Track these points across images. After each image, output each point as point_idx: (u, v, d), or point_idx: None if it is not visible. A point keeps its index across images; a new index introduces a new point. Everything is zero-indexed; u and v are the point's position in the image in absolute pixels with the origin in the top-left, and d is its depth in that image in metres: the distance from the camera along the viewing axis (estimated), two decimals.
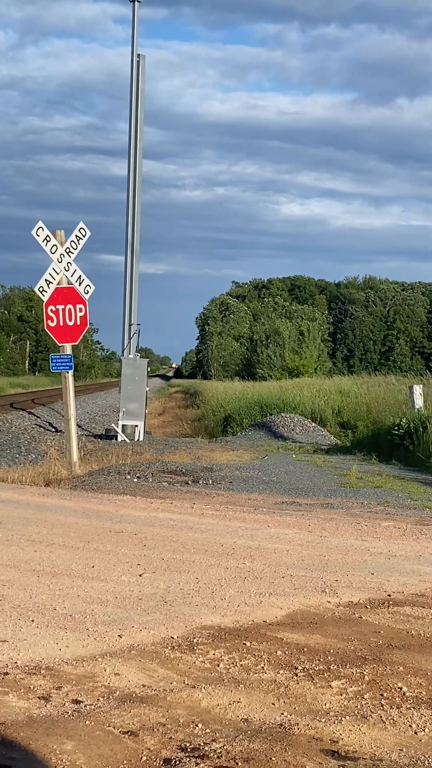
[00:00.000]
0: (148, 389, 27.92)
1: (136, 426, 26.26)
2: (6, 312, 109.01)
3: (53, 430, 28.47)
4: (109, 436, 26.43)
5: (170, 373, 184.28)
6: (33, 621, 6.47)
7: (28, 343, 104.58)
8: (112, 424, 27.51)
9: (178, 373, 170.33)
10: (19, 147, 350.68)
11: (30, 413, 33.55)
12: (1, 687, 5.16)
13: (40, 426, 29.17)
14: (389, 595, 7.64)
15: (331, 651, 6.07)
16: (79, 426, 24.21)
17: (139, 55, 28.10)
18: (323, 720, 4.86)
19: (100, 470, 17.00)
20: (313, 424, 29.62)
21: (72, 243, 18.09)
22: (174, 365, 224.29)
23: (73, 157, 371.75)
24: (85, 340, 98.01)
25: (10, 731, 4.54)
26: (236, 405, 36.62)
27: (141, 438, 25.83)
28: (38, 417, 32.39)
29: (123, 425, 26.20)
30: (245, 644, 6.15)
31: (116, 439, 25.56)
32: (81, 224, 18.29)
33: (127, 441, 24.92)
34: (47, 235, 18.03)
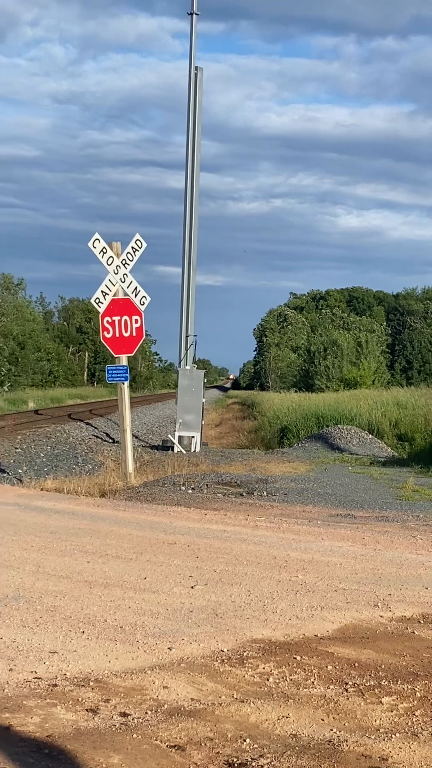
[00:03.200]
0: (204, 400, 27.93)
1: (193, 437, 26.28)
2: (65, 323, 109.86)
3: (110, 441, 28.59)
4: (166, 447, 26.48)
5: (228, 385, 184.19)
6: (83, 632, 6.47)
7: (86, 354, 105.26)
8: (169, 435, 27.55)
9: (236, 385, 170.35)
10: (79, 160, 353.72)
11: (88, 424, 33.73)
12: (50, 699, 5.16)
13: (97, 437, 29.32)
14: None
15: (383, 666, 5.99)
16: (136, 437, 24.30)
17: (197, 68, 28.21)
18: (373, 737, 4.79)
19: (155, 481, 17.02)
20: (370, 436, 29.42)
21: (128, 254, 18.15)
22: (231, 376, 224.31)
23: (132, 170, 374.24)
24: (143, 351, 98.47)
25: (57, 744, 4.54)
26: (293, 416, 36.50)
27: (197, 449, 25.84)
28: (96, 428, 32.55)
29: (180, 436, 26.22)
30: (296, 658, 6.09)
31: (173, 450, 25.58)
32: (137, 236, 18.35)
33: (184, 452, 24.93)
34: (104, 247, 18.10)
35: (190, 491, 15.44)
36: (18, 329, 78.67)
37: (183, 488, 15.73)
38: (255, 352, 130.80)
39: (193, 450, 25.68)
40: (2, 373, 67.62)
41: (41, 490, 15.61)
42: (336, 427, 30.54)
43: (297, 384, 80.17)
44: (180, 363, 28.56)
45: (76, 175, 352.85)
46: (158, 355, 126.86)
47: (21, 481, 18.04)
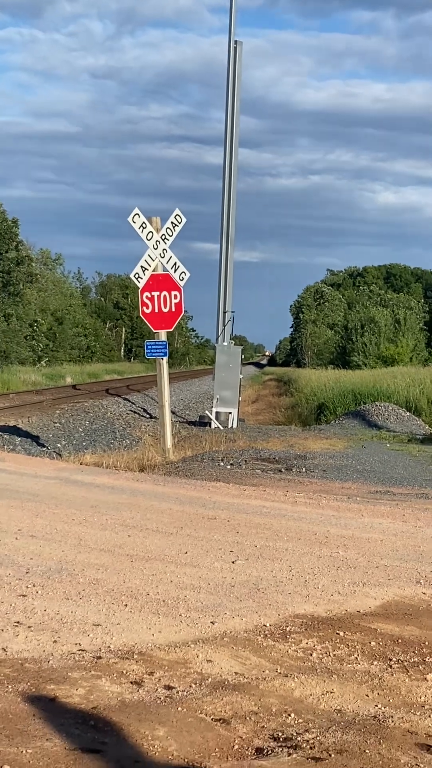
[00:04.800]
0: (241, 377, 27.87)
1: (230, 413, 26.23)
2: (102, 299, 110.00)
3: (148, 416, 28.65)
4: (203, 422, 26.47)
5: (264, 361, 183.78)
6: (126, 605, 6.49)
7: (123, 329, 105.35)
8: (206, 411, 27.53)
9: (272, 361, 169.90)
10: (116, 136, 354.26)
11: (125, 399, 33.83)
12: (95, 671, 5.18)
13: (134, 412, 29.40)
14: None
15: (426, 643, 5.97)
16: (173, 412, 24.30)
17: (236, 42, 27.93)
18: (418, 713, 4.77)
19: (194, 457, 17.04)
20: (408, 414, 29.27)
21: (167, 230, 18.10)
22: (268, 353, 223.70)
23: (169, 145, 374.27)
24: (179, 327, 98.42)
25: (102, 715, 4.55)
26: (330, 393, 36.39)
27: (234, 425, 25.81)
28: (133, 403, 32.64)
29: (217, 412, 26.19)
30: (338, 634, 6.08)
31: (210, 426, 25.56)
32: (177, 211, 18.29)
33: (221, 428, 24.92)
34: (143, 222, 18.06)
35: (228, 467, 15.44)
36: (56, 304, 78.91)
37: (221, 464, 15.74)
38: (291, 329, 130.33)
39: (230, 426, 25.64)
40: (40, 348, 67.91)
41: (80, 464, 15.68)
42: (373, 404, 30.41)
43: (334, 361, 79.86)
44: (217, 339, 28.46)
45: (113, 150, 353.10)
46: (194, 331, 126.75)
47: (60, 455, 18.15)
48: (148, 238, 17.99)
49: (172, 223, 18.19)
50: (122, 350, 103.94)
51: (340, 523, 10.22)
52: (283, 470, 15.22)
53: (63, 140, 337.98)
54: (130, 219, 18.11)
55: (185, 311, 17.83)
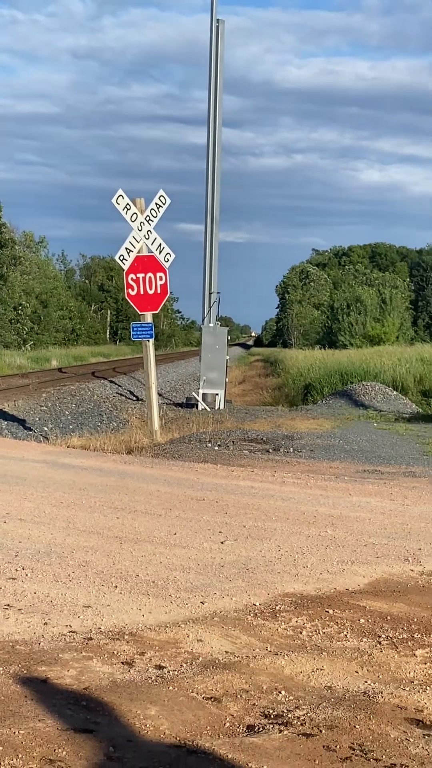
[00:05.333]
0: (228, 358, 27.89)
1: (217, 394, 26.27)
2: (87, 281, 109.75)
3: (134, 398, 28.65)
4: (190, 404, 26.49)
5: (250, 342, 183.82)
6: (116, 587, 6.51)
7: (108, 312, 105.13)
8: (193, 393, 27.55)
9: (258, 342, 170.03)
10: (99, 117, 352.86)
11: (111, 382, 33.78)
12: (86, 652, 5.20)
13: (121, 394, 29.38)
14: None
15: (415, 619, 6.01)
16: (159, 394, 24.28)
17: (218, 20, 27.82)
18: (407, 689, 4.81)
19: (181, 438, 17.06)
20: (395, 393, 29.35)
21: (152, 211, 18.05)
22: (254, 334, 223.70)
23: (152, 126, 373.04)
24: (165, 309, 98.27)
25: (94, 696, 4.57)
26: (316, 373, 36.47)
27: (221, 406, 25.84)
28: (119, 386, 32.60)
29: (203, 394, 26.23)
30: (328, 612, 6.11)
31: (197, 407, 25.60)
32: (161, 192, 18.24)
33: (208, 409, 24.94)
34: (127, 204, 18.01)
35: (216, 448, 15.46)
36: (40, 287, 78.66)
37: (209, 445, 15.76)
38: (277, 309, 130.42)
39: (217, 407, 25.68)
40: (25, 332, 67.75)
41: (67, 447, 15.68)
42: (360, 383, 30.50)
43: (320, 341, 79.94)
44: (203, 320, 28.47)
45: (95, 131, 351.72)
46: (180, 312, 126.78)
47: (47, 438, 18.13)
48: (133, 219, 17.94)
49: (156, 204, 18.14)
50: (108, 333, 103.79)
51: (328, 502, 10.26)
52: (270, 451, 15.25)
53: (45, 121, 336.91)
54: (114, 200, 18.06)
55: (171, 293, 17.75)
